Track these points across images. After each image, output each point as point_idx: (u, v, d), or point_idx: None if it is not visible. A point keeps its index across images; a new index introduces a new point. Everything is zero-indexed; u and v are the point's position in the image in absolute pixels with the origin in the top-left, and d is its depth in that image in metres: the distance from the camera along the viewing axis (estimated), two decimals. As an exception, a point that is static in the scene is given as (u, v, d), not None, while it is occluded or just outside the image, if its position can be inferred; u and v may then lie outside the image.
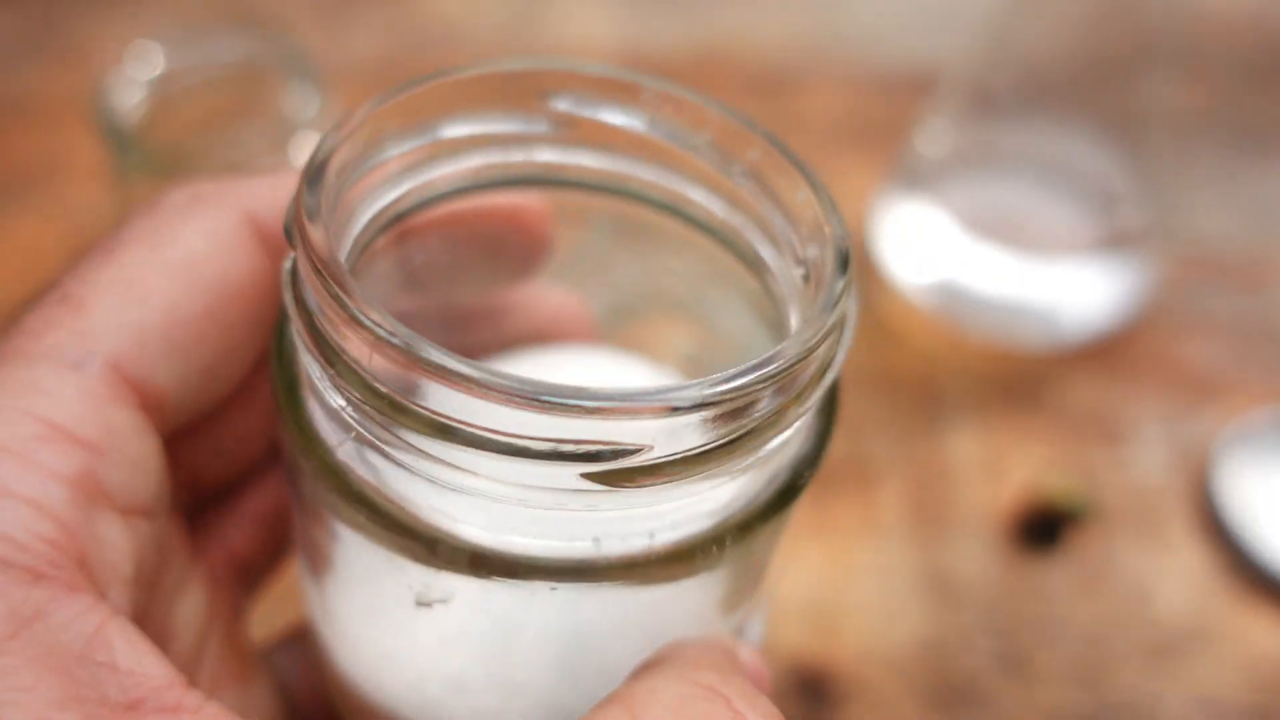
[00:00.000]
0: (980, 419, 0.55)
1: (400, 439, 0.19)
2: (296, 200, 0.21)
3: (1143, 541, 0.50)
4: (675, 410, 0.17)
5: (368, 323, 0.18)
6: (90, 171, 0.67)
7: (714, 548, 0.20)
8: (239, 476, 0.29)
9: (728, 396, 0.17)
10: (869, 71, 0.75)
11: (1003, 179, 0.59)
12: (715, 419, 0.18)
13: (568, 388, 0.17)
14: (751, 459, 0.19)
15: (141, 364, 0.23)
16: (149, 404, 0.23)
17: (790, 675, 0.46)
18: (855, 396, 0.56)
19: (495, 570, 0.20)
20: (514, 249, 0.27)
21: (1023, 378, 0.57)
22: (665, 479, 0.18)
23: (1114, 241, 0.57)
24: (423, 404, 0.18)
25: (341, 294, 0.19)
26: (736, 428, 0.18)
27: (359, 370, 0.19)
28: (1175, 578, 0.49)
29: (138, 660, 0.20)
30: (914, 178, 0.59)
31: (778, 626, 0.47)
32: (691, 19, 0.80)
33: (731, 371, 0.18)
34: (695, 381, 0.17)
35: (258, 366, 0.26)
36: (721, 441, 0.18)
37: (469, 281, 0.28)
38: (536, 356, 0.27)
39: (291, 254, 0.21)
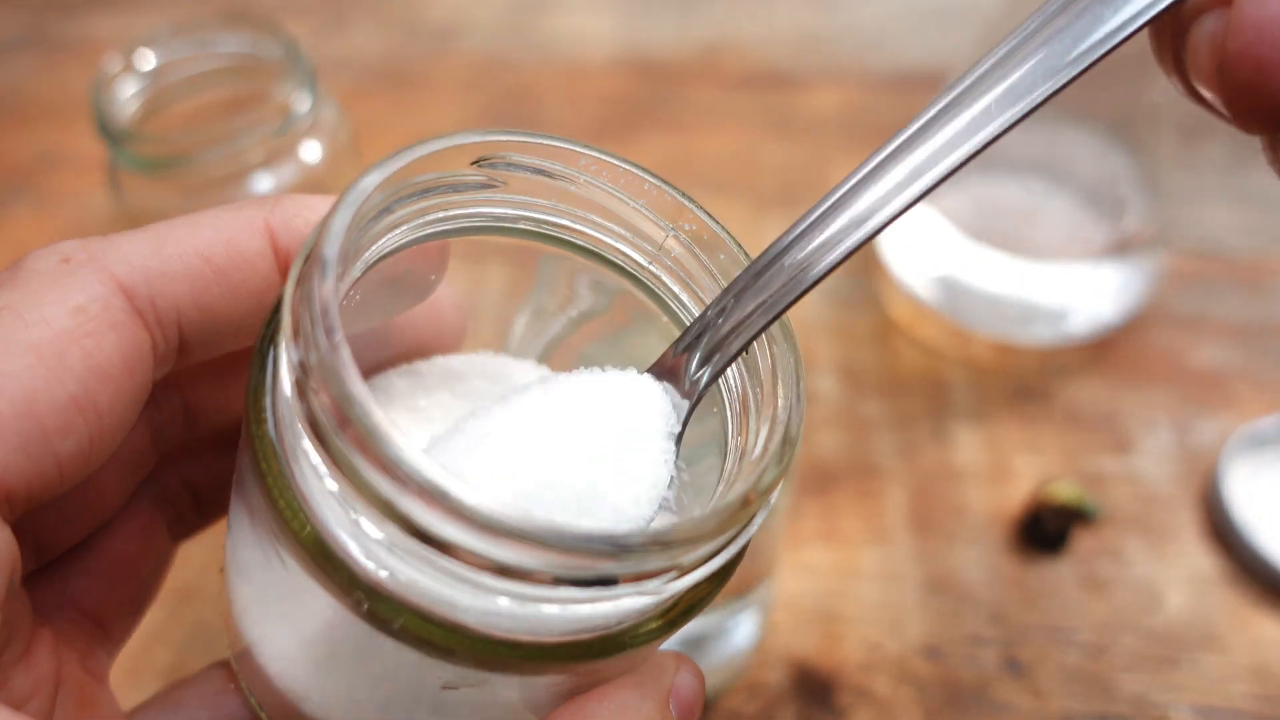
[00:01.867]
0: (985, 421, 0.54)
1: (445, 570, 0.20)
2: (317, 347, 0.20)
3: (1149, 546, 0.49)
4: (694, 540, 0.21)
5: (430, 485, 0.19)
6: (86, 167, 0.66)
7: (696, 607, 0.23)
8: (87, 534, 0.27)
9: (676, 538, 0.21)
10: (872, 69, 0.75)
11: (1007, 178, 0.59)
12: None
13: (604, 536, 0.19)
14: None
15: None
16: None
17: (795, 679, 0.45)
18: (860, 397, 0.55)
19: (538, 659, 0.21)
20: (416, 280, 0.27)
21: (1028, 379, 0.56)
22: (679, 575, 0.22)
23: (1119, 241, 0.57)
24: (469, 547, 0.19)
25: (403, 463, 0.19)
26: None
27: (406, 518, 0.19)
28: (1182, 582, 0.48)
29: None
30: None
31: (783, 631, 0.47)
32: (691, 15, 0.80)
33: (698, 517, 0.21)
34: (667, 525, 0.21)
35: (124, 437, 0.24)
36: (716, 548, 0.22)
37: (368, 314, 0.27)
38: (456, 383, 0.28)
39: (295, 356, 0.21)
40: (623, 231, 0.27)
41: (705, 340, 0.25)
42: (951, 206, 0.58)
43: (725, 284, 0.26)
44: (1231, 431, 0.52)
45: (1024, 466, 0.52)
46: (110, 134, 0.47)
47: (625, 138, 0.70)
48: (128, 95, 0.50)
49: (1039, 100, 0.24)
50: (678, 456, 0.25)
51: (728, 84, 0.74)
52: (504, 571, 0.19)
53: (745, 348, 0.24)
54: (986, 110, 0.25)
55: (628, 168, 0.26)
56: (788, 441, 0.23)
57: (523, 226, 0.26)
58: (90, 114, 0.48)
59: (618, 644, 0.22)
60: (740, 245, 0.26)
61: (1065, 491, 0.50)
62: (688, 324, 0.27)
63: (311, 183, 0.48)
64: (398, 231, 0.24)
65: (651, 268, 0.27)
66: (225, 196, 0.47)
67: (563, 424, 0.24)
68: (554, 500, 0.22)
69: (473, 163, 0.25)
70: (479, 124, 0.71)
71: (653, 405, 0.25)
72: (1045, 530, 0.49)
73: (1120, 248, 0.57)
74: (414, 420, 0.26)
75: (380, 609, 0.21)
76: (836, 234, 0.24)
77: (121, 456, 0.27)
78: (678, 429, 0.25)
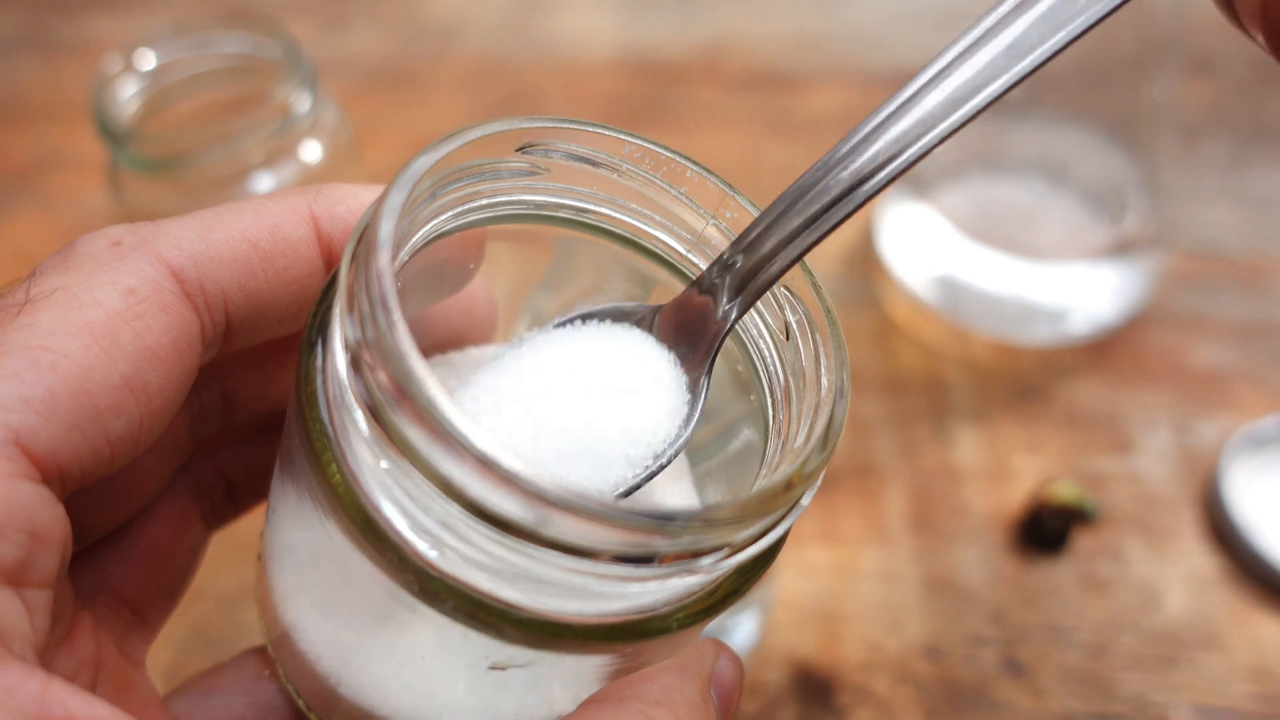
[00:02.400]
0: (985, 421, 0.54)
1: (511, 550, 0.20)
2: (375, 323, 0.20)
3: (1149, 545, 0.50)
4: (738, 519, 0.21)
5: (505, 469, 0.19)
6: (87, 168, 0.66)
7: (740, 590, 0.24)
8: (125, 520, 0.28)
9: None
10: (871, 69, 0.75)
11: (1007, 179, 0.59)
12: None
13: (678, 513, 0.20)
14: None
15: (48, 437, 0.21)
16: (52, 475, 0.21)
17: (796, 679, 0.45)
18: (860, 397, 0.55)
19: (586, 638, 0.22)
20: (453, 269, 0.27)
21: (1028, 379, 0.56)
22: (723, 556, 0.22)
23: (1119, 242, 0.57)
24: (522, 521, 0.20)
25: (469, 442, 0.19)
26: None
27: (464, 494, 0.19)
28: (1182, 582, 0.48)
29: (91, 708, 0.20)
30: (918, 176, 0.59)
31: (783, 630, 0.47)
32: (691, 16, 0.80)
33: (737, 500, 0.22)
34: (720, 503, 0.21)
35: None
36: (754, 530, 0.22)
37: (412, 301, 0.27)
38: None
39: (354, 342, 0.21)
40: (662, 220, 0.27)
41: (736, 269, 0.25)
42: (951, 206, 0.58)
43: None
44: (1231, 431, 0.52)
45: (1024, 466, 0.52)
46: (111, 134, 0.47)
47: (625, 138, 0.70)
48: (128, 95, 0.50)
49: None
50: (706, 389, 0.25)
51: (728, 84, 0.74)
52: (555, 546, 0.20)
53: (786, 270, 0.24)
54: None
55: (670, 155, 0.26)
56: (833, 427, 0.23)
57: (563, 215, 0.27)
58: (91, 114, 0.48)
59: (663, 626, 0.22)
60: None
61: (1065, 491, 0.50)
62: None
63: (312, 182, 0.48)
64: (443, 217, 0.25)
65: (690, 256, 0.27)
66: (226, 197, 0.47)
67: (563, 369, 0.24)
68: (566, 442, 0.23)
69: (518, 149, 0.25)
70: (479, 124, 0.71)
71: (650, 352, 0.25)
72: (1045, 530, 0.49)
73: (1120, 248, 0.57)
74: None
75: (432, 588, 0.21)
76: (899, 138, 0.23)
77: (161, 443, 0.27)
78: (682, 379, 0.25)
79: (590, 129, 0.25)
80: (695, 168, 0.26)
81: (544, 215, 0.26)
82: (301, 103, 0.47)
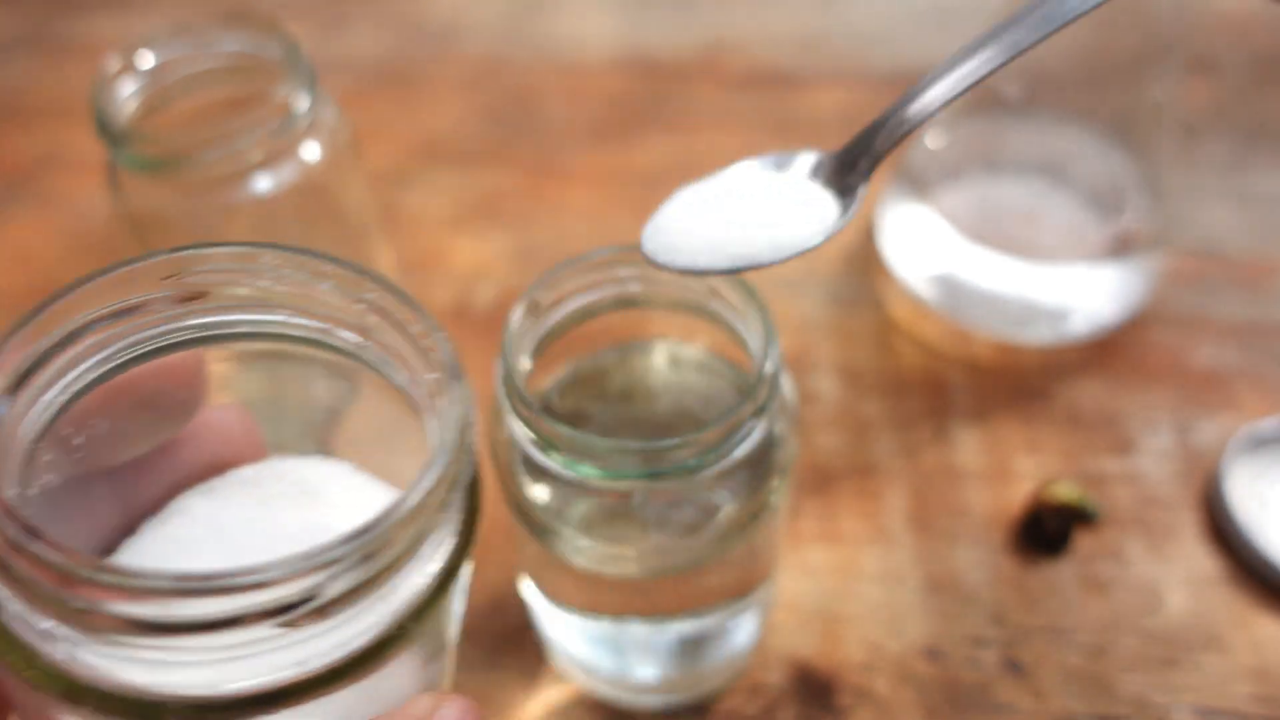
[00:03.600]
0: (986, 421, 0.54)
1: (112, 641, 0.21)
2: None
3: (1150, 546, 0.49)
4: (328, 565, 0.21)
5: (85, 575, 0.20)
6: (86, 168, 0.66)
7: (398, 638, 0.24)
8: None
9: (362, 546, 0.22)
10: (871, 69, 0.75)
11: (1007, 179, 0.59)
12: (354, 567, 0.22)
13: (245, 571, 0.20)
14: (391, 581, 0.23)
15: None
16: None
17: (795, 679, 0.45)
18: (860, 397, 0.55)
19: (240, 711, 0.22)
20: (170, 400, 0.27)
21: (1029, 379, 0.56)
22: (335, 612, 0.22)
23: (1119, 241, 0.57)
24: (127, 613, 0.20)
25: (45, 552, 0.20)
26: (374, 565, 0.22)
27: (57, 596, 0.21)
28: (1183, 583, 0.48)
29: None
30: (919, 177, 0.59)
31: (783, 631, 0.47)
32: (691, 16, 0.79)
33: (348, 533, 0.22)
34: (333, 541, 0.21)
35: None
36: (365, 577, 0.22)
37: (131, 441, 0.27)
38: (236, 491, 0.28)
39: None
40: (321, 311, 0.27)
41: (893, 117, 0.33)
42: (951, 206, 0.58)
43: (423, 348, 0.26)
44: (1233, 432, 0.52)
45: (1024, 467, 0.52)
46: (110, 134, 0.47)
47: (626, 138, 0.70)
48: (127, 95, 0.49)
49: None
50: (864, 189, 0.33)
51: (729, 84, 0.74)
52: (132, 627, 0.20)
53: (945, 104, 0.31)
54: None
55: (303, 256, 0.26)
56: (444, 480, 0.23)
57: (239, 330, 0.27)
58: (90, 114, 0.48)
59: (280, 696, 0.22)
60: (420, 307, 0.26)
61: (1066, 492, 0.50)
62: (411, 393, 0.27)
63: (311, 182, 0.48)
64: (77, 370, 0.25)
65: (348, 336, 0.27)
66: (225, 196, 0.47)
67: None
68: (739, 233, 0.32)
69: (163, 279, 0.25)
70: (480, 124, 0.71)
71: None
72: (1046, 531, 0.49)
73: (1120, 247, 0.57)
74: (219, 540, 0.27)
75: (72, 692, 0.22)
76: None
77: None
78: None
79: (221, 250, 0.26)
80: (330, 263, 0.26)
81: (216, 335, 0.27)
82: (301, 102, 0.47)
